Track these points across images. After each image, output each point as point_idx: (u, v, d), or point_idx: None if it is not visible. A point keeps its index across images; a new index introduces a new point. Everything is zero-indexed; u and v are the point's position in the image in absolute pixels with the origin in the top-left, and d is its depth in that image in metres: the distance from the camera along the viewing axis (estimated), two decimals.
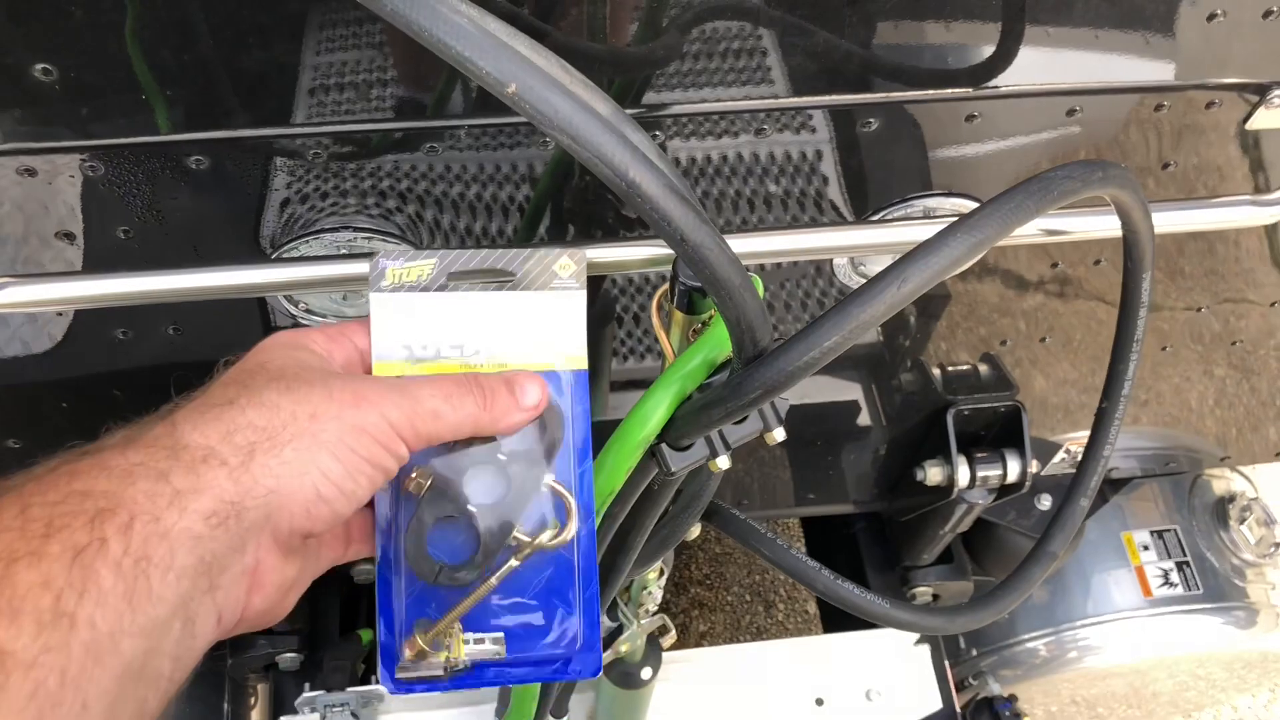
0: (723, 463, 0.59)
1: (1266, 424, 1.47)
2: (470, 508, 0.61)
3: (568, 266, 0.63)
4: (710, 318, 0.59)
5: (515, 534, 0.60)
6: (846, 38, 0.73)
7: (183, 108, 0.71)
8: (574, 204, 0.85)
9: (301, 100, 0.72)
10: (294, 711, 1.36)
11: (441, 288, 0.63)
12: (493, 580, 0.60)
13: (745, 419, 0.58)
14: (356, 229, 0.83)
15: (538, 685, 0.73)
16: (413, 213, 0.83)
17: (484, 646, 0.61)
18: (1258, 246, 1.10)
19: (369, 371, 0.65)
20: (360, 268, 0.77)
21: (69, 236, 0.79)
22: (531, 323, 0.63)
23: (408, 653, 0.60)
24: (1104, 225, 0.84)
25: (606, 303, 1.01)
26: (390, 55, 0.70)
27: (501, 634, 0.61)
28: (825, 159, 0.86)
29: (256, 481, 0.52)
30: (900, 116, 0.81)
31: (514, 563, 0.60)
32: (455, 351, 0.63)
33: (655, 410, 0.57)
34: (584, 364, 0.63)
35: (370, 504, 0.63)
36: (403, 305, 0.63)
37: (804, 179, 0.88)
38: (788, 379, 0.51)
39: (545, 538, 0.60)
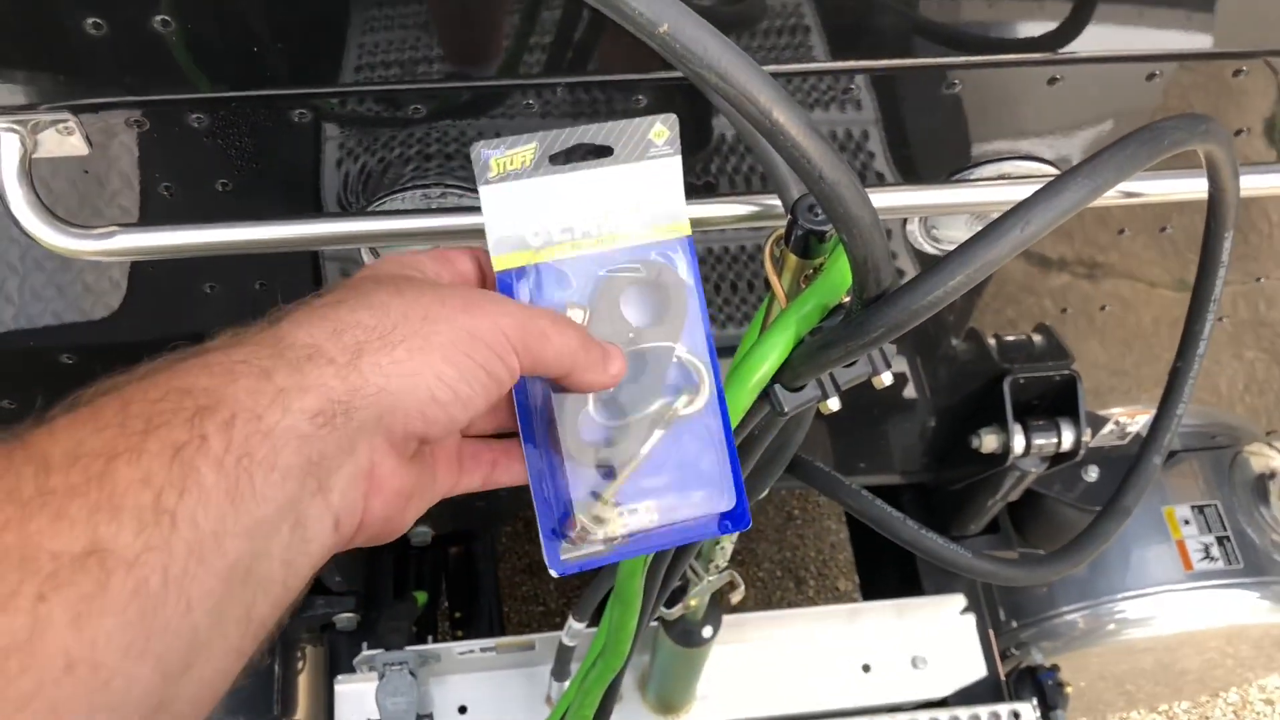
0: (833, 404, 0.60)
1: None
2: (612, 389, 0.62)
3: (662, 133, 0.63)
4: (822, 264, 0.61)
5: (657, 405, 0.62)
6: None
7: (291, 62, 0.72)
8: None
9: (398, 59, 0.74)
10: (352, 670, 1.39)
11: (545, 171, 0.63)
12: (643, 450, 0.61)
13: (855, 362, 0.60)
14: (446, 186, 0.85)
15: (634, 623, 0.74)
16: None
17: (638, 516, 0.62)
18: None
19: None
20: (455, 221, 0.79)
21: (169, 188, 0.81)
22: (634, 195, 0.63)
23: (571, 531, 0.61)
24: (1179, 188, 0.85)
25: None
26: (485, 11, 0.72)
27: (653, 502, 0.62)
28: (901, 123, 0.88)
29: (366, 380, 0.51)
30: (982, 80, 0.83)
31: (659, 433, 0.61)
32: (566, 235, 0.63)
33: (773, 351, 0.58)
34: (689, 230, 0.63)
35: (482, 436, 0.64)
36: (511, 194, 0.63)
37: (882, 142, 0.89)
38: (911, 317, 0.53)
39: (682, 404, 0.62)
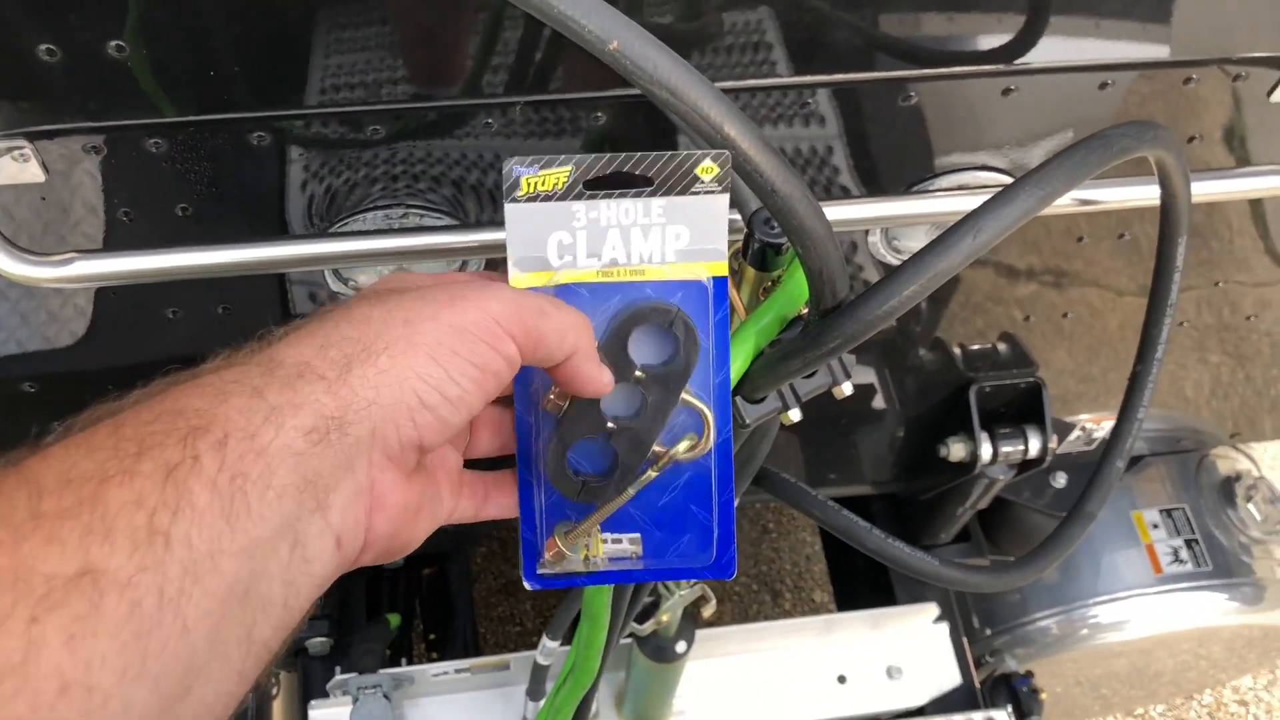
0: (794, 415, 0.61)
1: (1262, 412, 1.50)
2: (609, 425, 0.61)
3: (710, 170, 0.60)
4: (779, 276, 0.61)
5: (654, 448, 0.61)
6: (891, 12, 0.76)
7: (247, 86, 0.72)
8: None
9: (360, 81, 0.74)
10: (325, 695, 1.37)
11: (578, 196, 0.60)
12: (630, 491, 0.61)
13: (815, 373, 0.60)
14: (409, 206, 0.85)
15: (602, 639, 0.74)
16: (459, 188, 0.85)
17: (621, 546, 0.62)
18: (1251, 236, 1.13)
19: None
20: (418, 241, 0.79)
21: (129, 214, 0.81)
22: (672, 229, 0.61)
23: (548, 553, 0.61)
24: (1135, 195, 0.87)
25: None
26: (440, 33, 0.72)
27: (638, 534, 0.62)
28: (861, 136, 0.88)
29: (356, 393, 0.50)
30: (938, 91, 0.84)
31: (652, 474, 0.61)
32: (593, 261, 0.61)
33: (731, 364, 0.59)
34: (725, 270, 0.61)
35: (483, 461, 0.64)
36: (538, 215, 0.61)
37: (840, 155, 0.90)
38: (866, 328, 0.53)
39: (682, 449, 0.61)
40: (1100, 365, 1.29)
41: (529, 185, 0.61)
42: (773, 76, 0.79)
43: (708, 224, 0.60)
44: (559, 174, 0.60)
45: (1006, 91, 0.84)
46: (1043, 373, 1.26)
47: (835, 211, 0.82)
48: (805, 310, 0.60)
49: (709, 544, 0.63)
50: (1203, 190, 0.84)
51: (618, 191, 0.61)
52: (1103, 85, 0.85)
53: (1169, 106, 0.91)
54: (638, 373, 0.61)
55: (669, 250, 0.61)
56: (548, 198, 0.61)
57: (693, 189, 0.60)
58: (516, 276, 0.61)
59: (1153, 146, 0.63)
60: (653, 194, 0.60)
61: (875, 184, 0.93)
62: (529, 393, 0.62)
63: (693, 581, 1.02)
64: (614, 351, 0.61)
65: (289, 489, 0.47)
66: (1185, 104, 0.91)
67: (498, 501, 0.63)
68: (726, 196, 0.60)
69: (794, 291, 0.60)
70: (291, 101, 0.74)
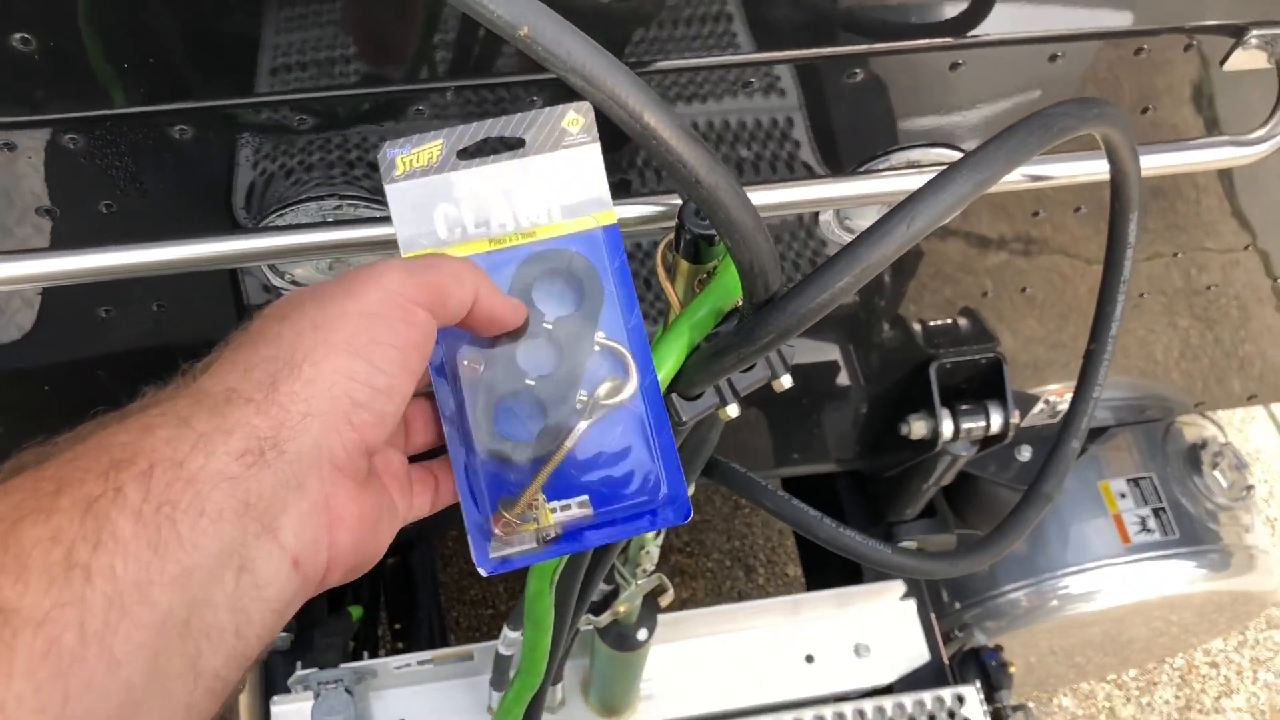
0: (732, 410, 0.59)
1: (1230, 375, 1.49)
2: (529, 381, 0.60)
3: (576, 121, 0.61)
4: (715, 267, 0.59)
5: (579, 396, 0.60)
6: None
7: (165, 77, 0.69)
8: None
9: (283, 68, 0.71)
10: (287, 690, 1.36)
11: (454, 167, 0.61)
12: (567, 444, 0.59)
13: (753, 366, 0.58)
14: (342, 196, 0.82)
15: (546, 643, 0.73)
16: None
17: (571, 511, 0.60)
18: (1216, 194, 1.11)
19: None
20: (352, 234, 0.77)
21: (50, 212, 0.78)
22: (552, 185, 0.61)
23: (497, 530, 0.59)
24: (1087, 169, 0.85)
25: None
26: (365, 16, 0.70)
27: (585, 496, 0.60)
28: (807, 113, 0.86)
29: (287, 410, 0.49)
30: (884, 67, 0.81)
31: (583, 424, 0.59)
32: (482, 230, 0.61)
33: (665, 360, 0.57)
34: (614, 218, 0.61)
35: (423, 456, 0.62)
36: (418, 191, 0.61)
37: (786, 134, 0.88)
38: (799, 322, 0.51)
39: (604, 391, 0.59)
40: (1070, 332, 1.28)
41: (404, 164, 0.61)
42: (710, 55, 0.77)
43: (586, 175, 0.61)
44: (432, 148, 0.61)
45: (954, 66, 0.82)
46: (1012, 341, 1.25)
47: (780, 194, 0.79)
48: (741, 303, 0.58)
49: (655, 485, 0.61)
50: (1157, 163, 0.82)
51: (493, 156, 0.61)
52: (1052, 57, 0.84)
53: (1120, 78, 0.89)
54: (546, 324, 0.60)
55: (554, 208, 0.61)
56: (424, 173, 0.61)
57: (564, 143, 0.61)
58: (408, 253, 0.61)
59: (1097, 124, 0.61)
60: (526, 154, 0.61)
61: (823, 162, 0.91)
62: (444, 374, 0.61)
63: (649, 570, 1.00)
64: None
65: (226, 514, 0.46)
66: (1137, 75, 0.89)
67: (449, 486, 0.62)
68: (597, 145, 0.61)
69: (730, 283, 0.58)
70: (211, 93, 0.71)
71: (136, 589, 0.42)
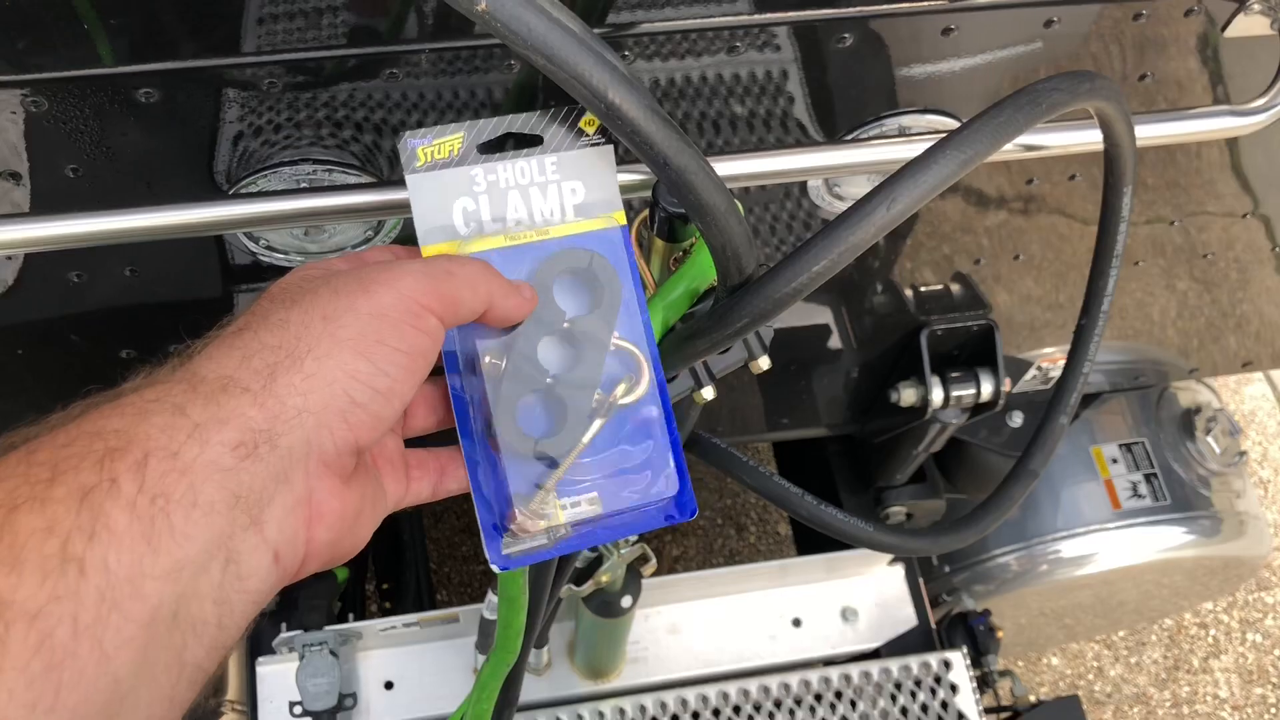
0: (708, 394, 0.58)
1: (1227, 335, 1.48)
2: (548, 379, 0.59)
3: (593, 122, 0.61)
4: (692, 245, 0.57)
5: (595, 395, 0.59)
6: None
7: (128, 37, 0.67)
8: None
9: (251, 28, 0.69)
10: (272, 652, 1.35)
11: (474, 161, 0.61)
12: (584, 441, 0.59)
13: (730, 349, 0.57)
14: (315, 161, 0.80)
15: (521, 620, 0.72)
16: (370, 143, 0.80)
17: (580, 509, 0.59)
18: (1219, 160, 1.09)
19: None
20: (319, 202, 0.74)
21: (14, 176, 0.76)
22: (567, 184, 0.61)
23: (512, 528, 0.59)
24: (1081, 139, 0.83)
25: None
26: None
27: (595, 494, 0.60)
28: (797, 77, 0.84)
29: (283, 403, 0.49)
30: (875, 31, 0.79)
31: (598, 423, 0.59)
32: (498, 225, 0.61)
33: None
34: (623, 218, 0.61)
35: (426, 438, 0.62)
36: (438, 183, 0.61)
37: (775, 99, 0.85)
38: (775, 307, 0.50)
39: (620, 391, 0.59)
40: (1068, 292, 1.26)
41: (425, 155, 0.61)
42: (699, 17, 0.75)
43: (599, 175, 0.61)
44: (453, 140, 0.61)
45: (946, 31, 0.79)
46: (1008, 301, 1.23)
47: (766, 163, 0.77)
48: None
49: (664, 482, 0.61)
50: (1153, 133, 0.80)
51: (512, 153, 0.61)
52: (1048, 22, 0.81)
53: (1118, 43, 0.87)
54: (565, 323, 0.60)
55: (568, 206, 0.61)
56: (445, 165, 0.60)
57: (579, 143, 0.61)
58: (426, 248, 0.61)
59: (1090, 98, 0.59)
60: (544, 151, 0.61)
61: (815, 127, 0.89)
62: (459, 367, 0.60)
63: (632, 540, 0.99)
64: (541, 305, 0.60)
65: (217, 506, 0.46)
66: (1136, 40, 0.86)
67: (455, 474, 0.61)
68: (611, 147, 0.61)
69: (705, 263, 0.56)
70: (177, 54, 0.69)
71: (129, 582, 0.42)
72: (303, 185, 0.80)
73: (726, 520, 2.56)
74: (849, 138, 0.87)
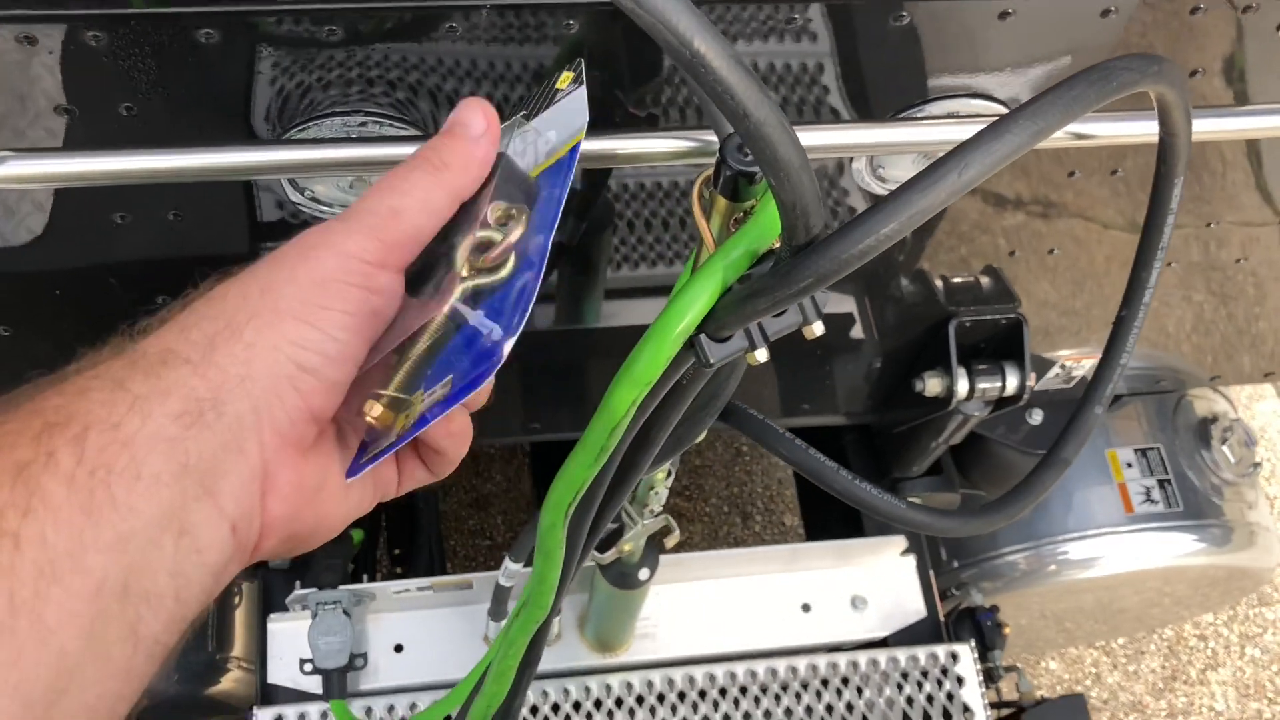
0: (761, 355, 0.58)
1: (1249, 344, 1.48)
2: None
3: (566, 78, 0.63)
4: (752, 206, 0.57)
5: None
6: None
7: None
8: None
9: None
10: (285, 609, 1.36)
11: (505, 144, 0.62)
12: (436, 321, 0.55)
13: (785, 312, 0.57)
14: (368, 113, 0.80)
15: (556, 575, 0.72)
16: (410, 102, 0.80)
17: (434, 393, 0.54)
18: (1243, 169, 1.09)
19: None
20: (374, 151, 0.75)
21: (69, 111, 0.76)
22: (547, 134, 0.61)
23: (369, 429, 0.55)
24: (1128, 130, 0.83)
25: (605, 208, 0.99)
26: None
27: (450, 376, 0.54)
28: (848, 55, 0.84)
29: (225, 372, 0.48)
30: (933, 11, 0.79)
31: (448, 306, 0.55)
32: None
33: (697, 300, 0.55)
34: (580, 138, 0.59)
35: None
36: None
37: (817, 79, 0.85)
38: (840, 267, 0.50)
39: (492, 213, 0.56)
40: (1084, 300, 1.26)
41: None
42: None
43: (571, 117, 0.60)
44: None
45: (1003, 15, 0.79)
46: (1024, 306, 1.23)
47: (817, 136, 0.78)
48: (777, 245, 0.56)
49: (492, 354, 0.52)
50: (1204, 128, 0.80)
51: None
52: (1105, 12, 0.81)
53: (1171, 37, 0.87)
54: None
55: (542, 152, 0.60)
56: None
57: (555, 100, 0.62)
58: None
59: (1155, 81, 0.59)
60: (528, 119, 0.63)
61: (861, 108, 0.88)
62: None
63: (657, 511, 1.00)
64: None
65: (164, 477, 0.45)
66: (1189, 35, 0.86)
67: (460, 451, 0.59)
68: (583, 89, 0.61)
69: (767, 224, 0.56)
70: None
71: (69, 556, 0.41)
72: (353, 135, 0.81)
73: (733, 508, 2.56)
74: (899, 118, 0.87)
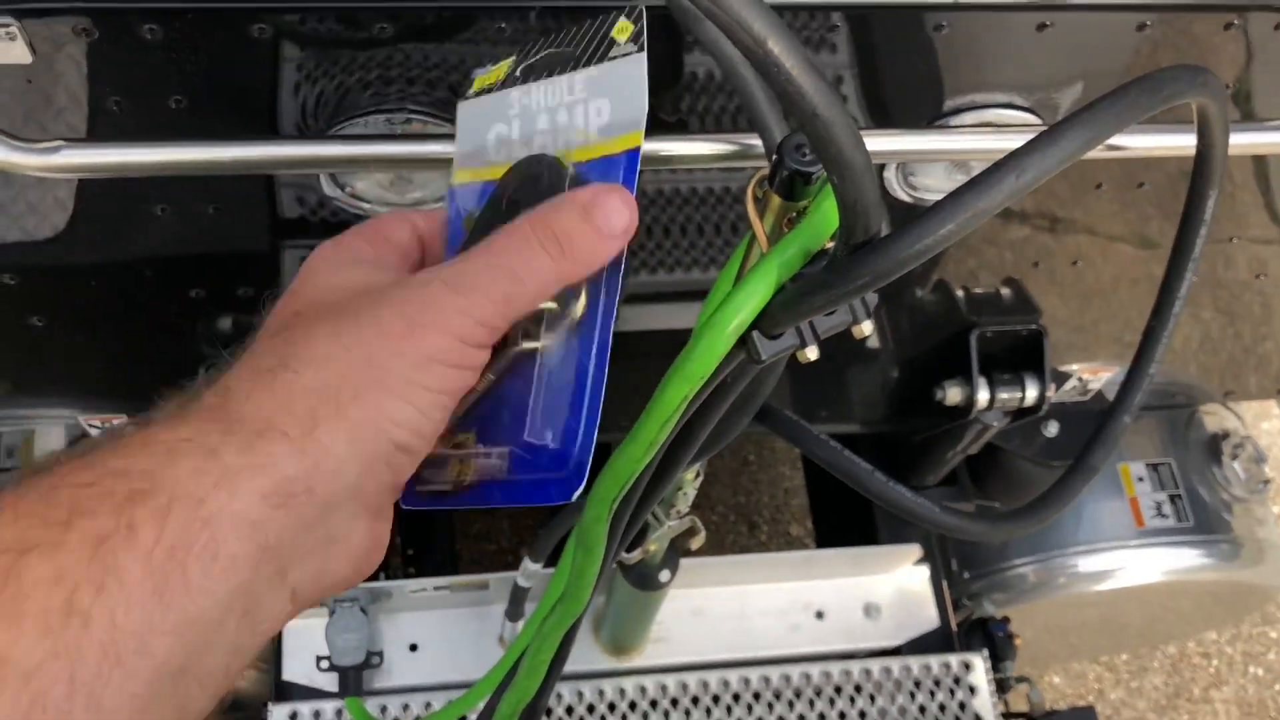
0: (811, 353, 0.58)
1: (1264, 360, 1.49)
2: None
3: (626, 29, 0.55)
4: (805, 207, 0.58)
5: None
6: None
7: None
8: None
9: None
10: None
11: (514, 83, 0.59)
12: (491, 375, 0.55)
13: (835, 311, 0.58)
14: (412, 111, 0.81)
15: (595, 570, 0.72)
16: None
17: (490, 461, 0.54)
18: (1252, 188, 1.10)
19: (427, 252, 0.60)
20: (418, 149, 0.76)
21: (119, 103, 0.77)
22: (594, 105, 0.56)
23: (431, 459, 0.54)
24: (1161, 143, 0.84)
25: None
26: None
27: (508, 449, 0.54)
28: (887, 64, 0.85)
29: (326, 452, 0.47)
30: (974, 20, 0.80)
31: (526, 346, 0.54)
32: (524, 149, 0.58)
33: (752, 296, 0.56)
34: (639, 139, 0.54)
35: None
36: (478, 109, 0.60)
37: (858, 82, 0.86)
38: (898, 266, 0.50)
39: (553, 307, 0.54)
40: (1092, 316, 1.27)
41: (480, 83, 0.60)
42: None
43: (628, 92, 0.55)
44: (503, 66, 0.59)
45: (1041, 27, 0.81)
46: (1062, 309, 1.24)
47: (869, 142, 0.78)
48: (830, 244, 0.57)
49: (567, 459, 0.53)
50: (1238, 142, 0.81)
51: (548, 73, 0.58)
52: (1141, 26, 0.82)
53: (1201, 52, 0.88)
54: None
55: (592, 129, 0.56)
56: (489, 90, 0.59)
57: (610, 54, 0.55)
58: (457, 171, 0.60)
59: (1200, 93, 0.60)
60: (574, 68, 0.57)
61: (893, 116, 0.90)
62: None
63: (684, 512, 1.00)
64: (499, 219, 0.54)
65: (240, 560, 0.43)
66: (1220, 50, 0.88)
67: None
68: (644, 56, 0.54)
69: (821, 224, 0.57)
70: None
71: (134, 637, 0.40)
72: (397, 132, 0.82)
73: (739, 517, 2.57)
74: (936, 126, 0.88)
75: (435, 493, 0.56)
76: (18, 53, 0.70)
